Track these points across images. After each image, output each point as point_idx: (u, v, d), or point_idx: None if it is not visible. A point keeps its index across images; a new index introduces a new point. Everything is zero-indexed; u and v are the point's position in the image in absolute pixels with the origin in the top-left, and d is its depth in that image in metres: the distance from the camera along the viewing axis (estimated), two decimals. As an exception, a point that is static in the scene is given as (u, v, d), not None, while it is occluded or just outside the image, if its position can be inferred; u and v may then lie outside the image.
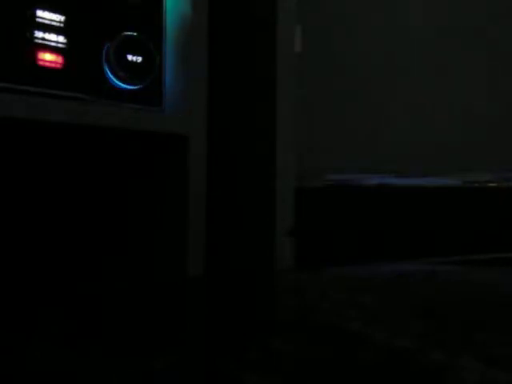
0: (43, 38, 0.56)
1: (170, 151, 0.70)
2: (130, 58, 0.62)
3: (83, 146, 0.80)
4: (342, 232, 0.87)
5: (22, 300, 0.59)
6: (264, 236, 0.76)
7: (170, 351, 0.41)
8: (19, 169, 0.78)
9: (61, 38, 0.58)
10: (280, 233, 0.75)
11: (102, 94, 0.61)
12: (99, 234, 0.81)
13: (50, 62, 0.57)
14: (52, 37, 0.57)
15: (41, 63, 0.56)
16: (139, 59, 0.63)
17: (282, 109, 0.75)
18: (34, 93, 0.56)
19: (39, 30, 0.56)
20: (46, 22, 0.57)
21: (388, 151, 0.95)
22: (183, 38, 0.67)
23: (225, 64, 0.83)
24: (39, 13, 0.56)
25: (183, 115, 0.67)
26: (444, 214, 0.96)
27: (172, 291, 0.64)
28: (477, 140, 1.02)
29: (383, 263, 0.84)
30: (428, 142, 0.98)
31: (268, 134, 0.76)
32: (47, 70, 0.57)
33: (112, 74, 0.61)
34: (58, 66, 0.58)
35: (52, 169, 0.81)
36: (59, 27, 0.58)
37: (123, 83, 0.62)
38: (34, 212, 0.79)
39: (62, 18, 0.58)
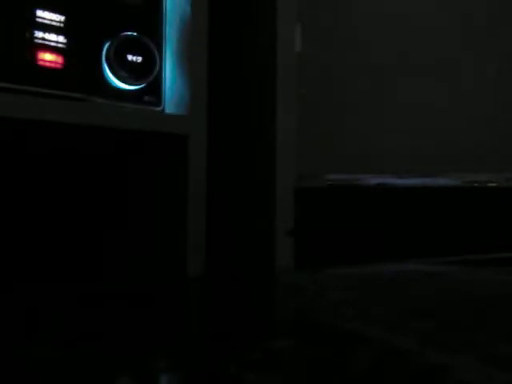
0: (43, 38, 0.57)
1: (169, 151, 0.70)
2: (130, 57, 0.62)
3: (83, 146, 0.80)
4: (342, 232, 0.87)
5: (21, 300, 0.59)
6: (264, 236, 0.76)
7: (170, 351, 0.41)
8: (19, 169, 0.78)
9: (61, 38, 0.58)
10: (280, 233, 0.75)
11: (102, 94, 0.61)
12: (99, 234, 0.81)
13: (50, 61, 0.57)
14: (52, 37, 0.57)
15: (41, 63, 0.56)
16: (139, 59, 0.63)
17: (282, 109, 0.75)
18: (34, 93, 0.56)
19: (39, 30, 0.56)
20: (46, 21, 0.57)
21: (388, 151, 0.95)
22: (183, 37, 0.67)
23: (225, 64, 0.83)
24: (39, 13, 0.56)
25: (183, 115, 0.67)
26: (444, 213, 0.96)
27: (172, 291, 0.64)
28: (477, 140, 1.01)
29: (383, 263, 0.84)
30: (428, 142, 0.98)
31: (268, 133, 0.76)
32: (47, 70, 0.57)
33: (112, 73, 0.61)
34: (58, 65, 0.58)
35: (52, 169, 0.81)
36: (59, 27, 0.58)
37: (123, 83, 0.62)
38: (34, 212, 0.79)
39: (62, 18, 0.58)
